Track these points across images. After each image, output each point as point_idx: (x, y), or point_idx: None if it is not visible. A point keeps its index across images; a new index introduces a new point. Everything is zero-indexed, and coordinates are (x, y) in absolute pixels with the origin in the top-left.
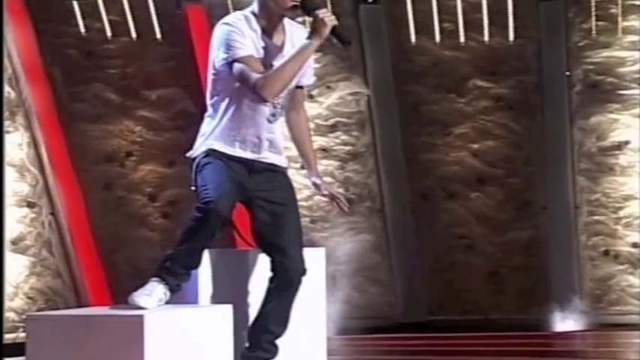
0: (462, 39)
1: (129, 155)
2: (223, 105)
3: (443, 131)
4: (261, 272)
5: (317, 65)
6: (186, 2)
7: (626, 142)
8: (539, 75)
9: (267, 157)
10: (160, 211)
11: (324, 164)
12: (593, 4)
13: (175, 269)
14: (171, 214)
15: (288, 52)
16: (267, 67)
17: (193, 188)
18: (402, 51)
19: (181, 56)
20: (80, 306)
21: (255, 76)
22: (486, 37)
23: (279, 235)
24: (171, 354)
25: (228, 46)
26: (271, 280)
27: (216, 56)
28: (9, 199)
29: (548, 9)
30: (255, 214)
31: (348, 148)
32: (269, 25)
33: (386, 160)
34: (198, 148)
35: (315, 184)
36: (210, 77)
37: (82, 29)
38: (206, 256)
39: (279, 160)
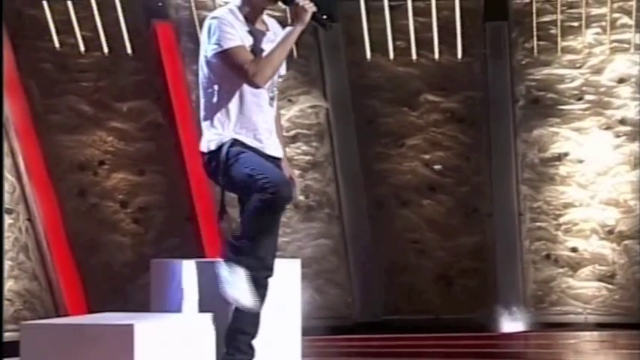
0: (414, 56)
1: (101, 164)
2: (225, 94)
3: (396, 142)
4: None
5: (278, 80)
6: (155, 19)
7: (566, 154)
8: (485, 90)
9: (273, 147)
10: (131, 217)
11: None
12: (534, 25)
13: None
14: (142, 220)
15: (271, 39)
16: (255, 54)
17: (223, 182)
18: (358, 67)
19: (151, 70)
20: (56, 307)
21: (246, 63)
22: (437, 55)
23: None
24: (159, 358)
25: (219, 38)
26: None
27: (208, 48)
28: None
29: (493, 29)
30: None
31: (308, 157)
32: (252, 15)
33: (343, 170)
34: (219, 140)
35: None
36: (203, 70)
37: (57, 44)
38: (188, 267)
39: (279, 151)
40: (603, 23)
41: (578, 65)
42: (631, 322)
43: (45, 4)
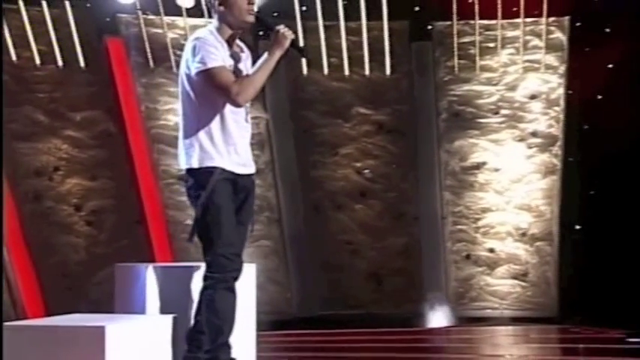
0: (347, 72)
1: (56, 170)
2: (206, 110)
3: (331, 151)
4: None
5: None
6: (107, 35)
7: (484, 163)
8: (411, 104)
9: (249, 165)
10: (84, 220)
11: None
12: (455, 45)
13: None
14: (95, 223)
15: (244, 63)
16: (235, 75)
17: (194, 201)
18: (295, 82)
19: (103, 82)
20: (14, 305)
21: (230, 84)
22: (367, 71)
23: (242, 246)
24: (128, 357)
25: (203, 57)
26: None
27: (191, 67)
28: None
29: (418, 48)
30: None
31: None
32: (229, 38)
33: (283, 176)
34: (200, 158)
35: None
36: (185, 87)
37: (14, 57)
38: (151, 270)
39: (253, 168)
40: (517, 45)
41: (494, 82)
42: (542, 317)
43: (3, 19)
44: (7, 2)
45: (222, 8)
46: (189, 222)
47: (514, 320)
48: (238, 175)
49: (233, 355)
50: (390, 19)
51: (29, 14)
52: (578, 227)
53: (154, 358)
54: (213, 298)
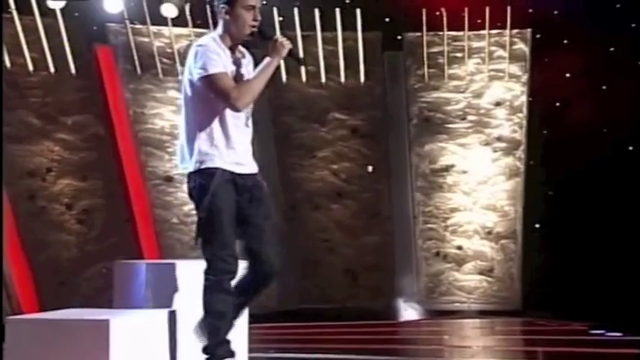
0: (323, 79)
1: (49, 171)
2: (208, 114)
3: (309, 154)
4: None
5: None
6: (96, 43)
7: (452, 166)
8: (384, 110)
9: (250, 165)
10: (75, 218)
11: None
12: (425, 55)
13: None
14: (85, 221)
15: (245, 68)
16: (236, 80)
17: (196, 203)
18: (275, 88)
19: (92, 88)
20: (9, 298)
21: (229, 89)
22: (343, 79)
23: (261, 244)
24: (131, 350)
25: (205, 63)
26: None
27: (194, 72)
28: None
29: (391, 58)
30: (241, 229)
31: None
32: (232, 45)
33: (264, 177)
34: (201, 160)
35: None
36: (187, 91)
37: (8, 64)
38: (149, 268)
39: (255, 167)
40: (483, 55)
41: (462, 90)
42: (507, 310)
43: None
44: (2, 11)
45: (227, 17)
46: (175, 220)
47: (481, 313)
48: (239, 174)
49: (231, 349)
50: (363, 30)
51: (22, 23)
52: (537, 226)
53: (154, 350)
54: (209, 299)
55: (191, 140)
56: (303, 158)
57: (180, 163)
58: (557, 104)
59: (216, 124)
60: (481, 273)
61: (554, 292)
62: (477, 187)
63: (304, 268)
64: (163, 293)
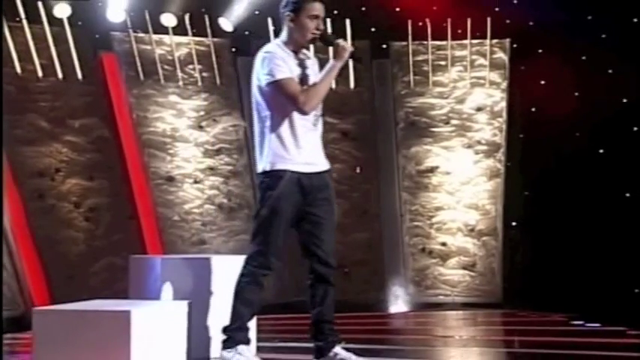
0: None
1: (58, 171)
2: (277, 118)
3: None
4: (200, 275)
5: (205, 103)
6: (101, 50)
7: (437, 167)
8: (373, 115)
9: (320, 163)
10: (83, 216)
11: (211, 180)
12: (411, 63)
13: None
14: (92, 218)
15: (312, 67)
16: (302, 82)
17: (260, 199)
18: None
19: (98, 93)
20: (21, 291)
21: (297, 94)
22: (334, 85)
23: (319, 243)
24: (150, 339)
25: (272, 70)
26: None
27: (262, 78)
28: None
29: (379, 65)
30: (301, 226)
31: (229, 167)
32: (295, 50)
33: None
34: (272, 162)
35: None
36: (256, 97)
37: (19, 70)
38: (164, 262)
39: (326, 165)
40: (465, 63)
41: (445, 96)
42: (488, 302)
43: (8, 36)
44: (12, 20)
45: (292, 25)
46: (177, 218)
47: (464, 306)
48: (307, 174)
49: (249, 337)
50: (353, 39)
51: (32, 31)
52: (514, 224)
53: (171, 339)
54: (241, 287)
55: (262, 142)
56: None
57: (258, 166)
58: (533, 109)
59: (285, 127)
60: (464, 268)
61: (532, 286)
62: (460, 187)
63: (298, 263)
64: (177, 286)
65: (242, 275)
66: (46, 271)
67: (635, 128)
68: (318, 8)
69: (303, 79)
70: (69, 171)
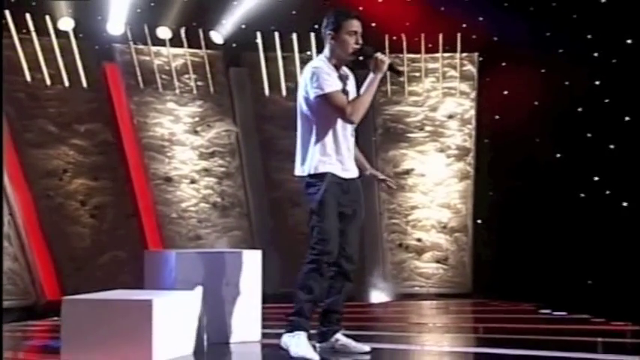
0: None
1: (65, 172)
2: (322, 127)
3: (289, 158)
4: (211, 267)
5: (200, 110)
6: (104, 61)
7: (412, 169)
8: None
9: (353, 170)
10: (88, 213)
11: (206, 180)
12: (388, 74)
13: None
14: (97, 216)
15: (350, 84)
16: (344, 94)
17: (310, 198)
18: (259, 101)
19: (102, 100)
20: (33, 282)
21: (345, 105)
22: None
23: (347, 243)
24: (170, 325)
25: (321, 84)
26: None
27: (310, 91)
28: None
29: (358, 75)
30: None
31: (223, 169)
32: (338, 65)
33: (250, 178)
34: (316, 166)
35: (372, 175)
36: (302, 108)
37: (29, 79)
38: (178, 256)
39: (357, 172)
40: (437, 74)
41: (419, 104)
42: (459, 293)
43: (18, 47)
44: (22, 33)
45: (333, 42)
46: (175, 215)
47: (437, 296)
48: (344, 179)
49: (308, 325)
50: None
51: (40, 43)
52: (479, 221)
53: (188, 326)
54: (305, 276)
55: (306, 149)
56: (284, 162)
57: (297, 169)
58: (497, 117)
59: (329, 136)
60: (437, 261)
61: (500, 278)
62: (433, 187)
63: (285, 256)
64: (190, 278)
65: (305, 264)
66: (56, 264)
67: (589, 135)
68: (356, 25)
69: (344, 93)
70: (75, 172)
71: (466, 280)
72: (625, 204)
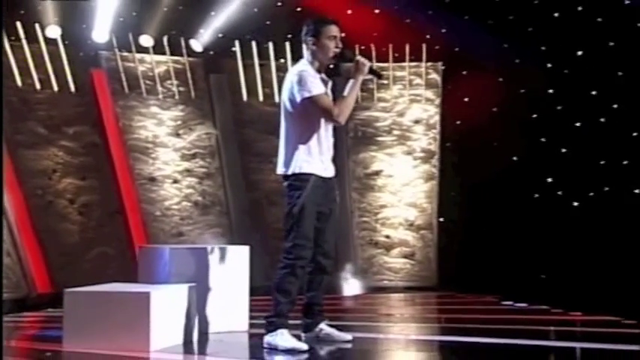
0: (277, 99)
1: (54, 172)
2: (306, 128)
3: (266, 160)
4: (202, 262)
5: (182, 114)
6: (91, 67)
7: (381, 171)
8: None
9: (332, 169)
10: (77, 211)
11: (188, 180)
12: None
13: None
14: (85, 213)
15: (329, 84)
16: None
17: (290, 199)
18: (238, 106)
19: (89, 104)
20: (24, 275)
21: (331, 107)
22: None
23: (324, 239)
24: (166, 315)
25: (309, 87)
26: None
27: (296, 94)
28: None
29: (336, 83)
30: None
31: (204, 170)
32: (319, 69)
33: (230, 179)
34: (300, 167)
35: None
36: (288, 111)
37: (20, 83)
38: (171, 251)
39: (334, 171)
40: (404, 82)
41: (388, 110)
42: (425, 286)
43: (10, 54)
44: (13, 40)
45: (315, 47)
46: (158, 213)
47: (405, 289)
48: (324, 178)
49: (287, 322)
50: None
51: (30, 49)
52: (442, 219)
53: (182, 317)
54: (280, 278)
55: (291, 149)
56: (262, 163)
57: (279, 168)
58: (458, 122)
59: (313, 137)
60: (405, 257)
61: (463, 272)
62: (401, 188)
63: (263, 252)
64: (183, 272)
65: (280, 268)
66: (46, 259)
67: (543, 139)
68: (335, 30)
69: (327, 95)
70: (64, 172)
71: (432, 275)
72: (575, 204)
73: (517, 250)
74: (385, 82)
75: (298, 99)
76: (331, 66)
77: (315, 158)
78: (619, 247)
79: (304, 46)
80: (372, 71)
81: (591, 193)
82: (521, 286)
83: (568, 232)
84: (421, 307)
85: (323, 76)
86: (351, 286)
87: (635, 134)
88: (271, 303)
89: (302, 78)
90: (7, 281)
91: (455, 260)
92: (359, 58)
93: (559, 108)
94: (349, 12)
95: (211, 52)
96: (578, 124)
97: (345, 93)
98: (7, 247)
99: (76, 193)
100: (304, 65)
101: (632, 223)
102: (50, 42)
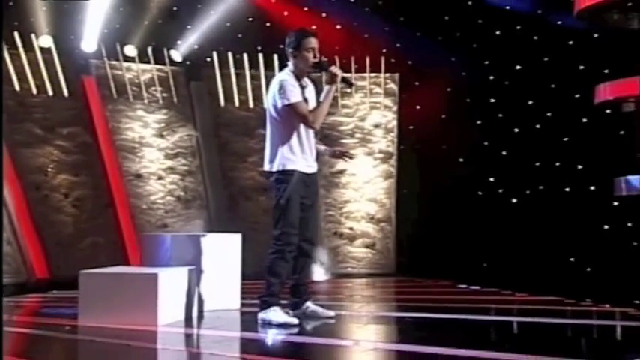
0: (251, 105)
1: (50, 169)
2: (288, 130)
3: (242, 159)
4: (201, 248)
5: (165, 117)
6: (83, 74)
7: (345, 170)
8: None
9: (314, 166)
10: (71, 204)
11: (171, 177)
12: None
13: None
14: (78, 206)
15: (309, 92)
16: (305, 102)
17: (276, 192)
18: (216, 110)
19: (81, 107)
20: (24, 262)
21: (307, 114)
22: (265, 104)
23: (307, 228)
24: (172, 295)
25: (288, 94)
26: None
27: (278, 101)
28: None
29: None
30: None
31: (185, 168)
32: (300, 77)
33: (209, 176)
34: (283, 163)
35: (333, 151)
36: (272, 115)
37: (17, 88)
38: (173, 238)
39: (316, 167)
40: (365, 91)
41: (351, 115)
42: (385, 273)
43: (9, 61)
44: (11, 48)
45: (295, 58)
46: (145, 207)
47: (367, 275)
48: (307, 174)
49: (279, 301)
50: (280, 69)
51: (27, 57)
52: (401, 213)
53: (184, 296)
54: (271, 262)
55: (275, 149)
56: (238, 162)
57: (265, 165)
58: (411, 127)
59: (294, 138)
60: (367, 247)
61: (419, 260)
62: (363, 185)
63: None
64: (182, 256)
65: (271, 253)
66: (44, 247)
67: (486, 143)
68: (313, 42)
69: (305, 100)
70: (59, 169)
71: (390, 263)
72: (514, 200)
73: (466, 241)
74: (349, 90)
75: (279, 105)
76: (316, 60)
77: (298, 156)
78: (553, 237)
79: (288, 56)
80: (344, 80)
81: (528, 191)
82: (473, 271)
83: (509, 225)
84: (382, 289)
85: (303, 81)
86: (319, 272)
87: (565, 139)
88: (263, 284)
89: (282, 86)
90: (9, 267)
91: (411, 249)
92: (332, 68)
93: (500, 115)
94: (314, 27)
95: (187, 62)
96: (516, 130)
97: (321, 98)
98: (8, 235)
99: (70, 188)
100: (286, 74)
101: (564, 216)
102: (45, 51)
